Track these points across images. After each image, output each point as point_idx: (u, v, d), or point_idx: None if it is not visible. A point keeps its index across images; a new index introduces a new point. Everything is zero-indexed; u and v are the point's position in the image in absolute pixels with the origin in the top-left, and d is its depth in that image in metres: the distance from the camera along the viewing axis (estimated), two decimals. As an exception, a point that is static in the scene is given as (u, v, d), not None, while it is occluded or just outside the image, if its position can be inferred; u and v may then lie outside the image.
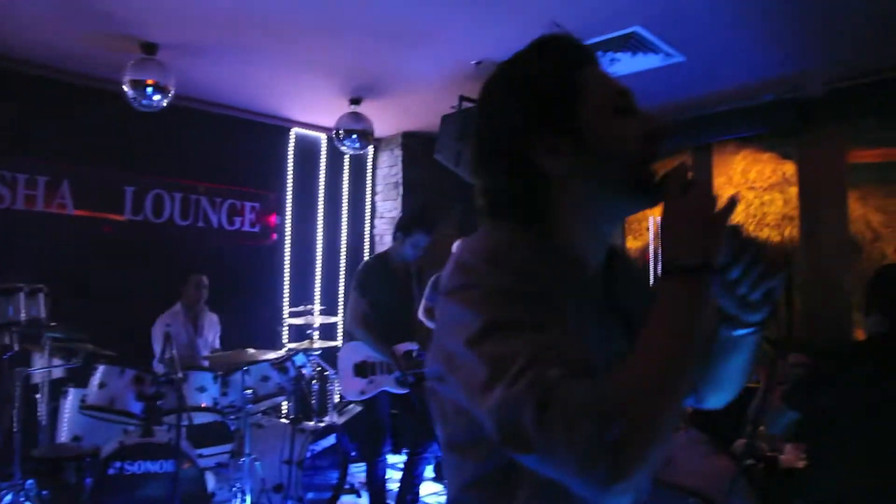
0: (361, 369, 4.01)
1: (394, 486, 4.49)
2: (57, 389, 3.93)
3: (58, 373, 3.89)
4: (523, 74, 0.99)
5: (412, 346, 4.10)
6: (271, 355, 4.22)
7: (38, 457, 3.09)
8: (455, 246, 4.57)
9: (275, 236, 5.97)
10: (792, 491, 2.69)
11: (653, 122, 0.95)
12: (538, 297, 0.83)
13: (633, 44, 4.09)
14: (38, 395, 3.85)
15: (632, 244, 8.84)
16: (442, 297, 0.89)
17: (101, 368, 3.69)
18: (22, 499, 3.18)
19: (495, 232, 0.97)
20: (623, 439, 0.70)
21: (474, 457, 0.90)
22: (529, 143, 0.96)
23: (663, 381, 0.76)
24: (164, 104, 4.34)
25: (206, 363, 4.43)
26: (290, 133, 6.14)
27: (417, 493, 4.27)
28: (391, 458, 4.65)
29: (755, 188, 8.00)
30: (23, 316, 3.19)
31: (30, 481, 3.09)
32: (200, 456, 3.92)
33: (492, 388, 0.76)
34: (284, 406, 5.18)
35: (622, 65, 4.45)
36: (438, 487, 4.91)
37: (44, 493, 2.99)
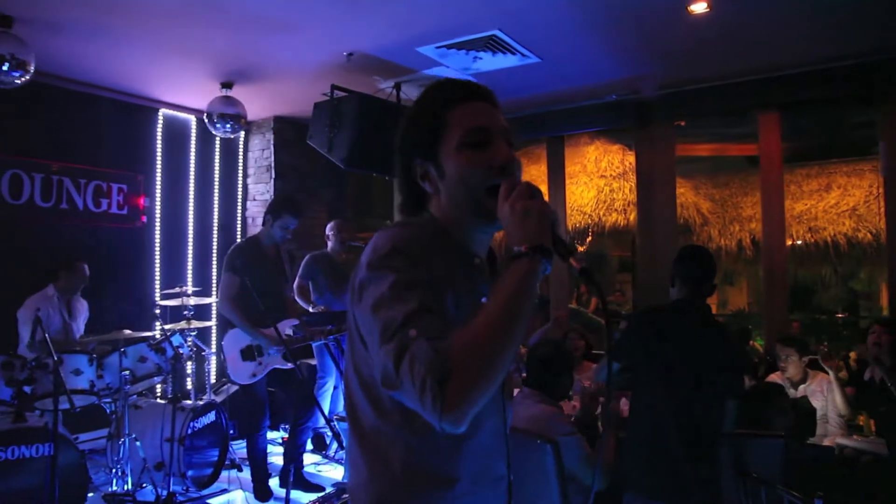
0: (248, 353, 4.14)
1: (273, 459, 4.70)
2: None
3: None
4: (411, 113, 1.31)
5: (293, 322, 4.29)
6: (148, 336, 4.26)
7: None
8: (328, 227, 4.84)
9: (144, 218, 5.86)
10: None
11: (499, 156, 1.21)
12: (421, 281, 1.10)
13: (493, 45, 4.50)
14: None
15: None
16: (362, 268, 1.16)
17: (-36, 356, 3.59)
18: None
19: (403, 225, 1.26)
20: (447, 383, 0.97)
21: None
22: (412, 166, 1.29)
23: (489, 337, 1.01)
24: (23, 81, 4.19)
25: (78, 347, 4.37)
26: (158, 114, 6.02)
27: (302, 463, 4.51)
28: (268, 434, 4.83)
29: (605, 176, 8.85)
30: None
31: None
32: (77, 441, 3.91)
33: (381, 341, 1.06)
34: (159, 387, 5.20)
35: (484, 62, 4.87)
36: (317, 458, 5.16)
37: None
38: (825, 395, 4.21)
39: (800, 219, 8.39)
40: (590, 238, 9.44)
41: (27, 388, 3.64)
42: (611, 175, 8.63)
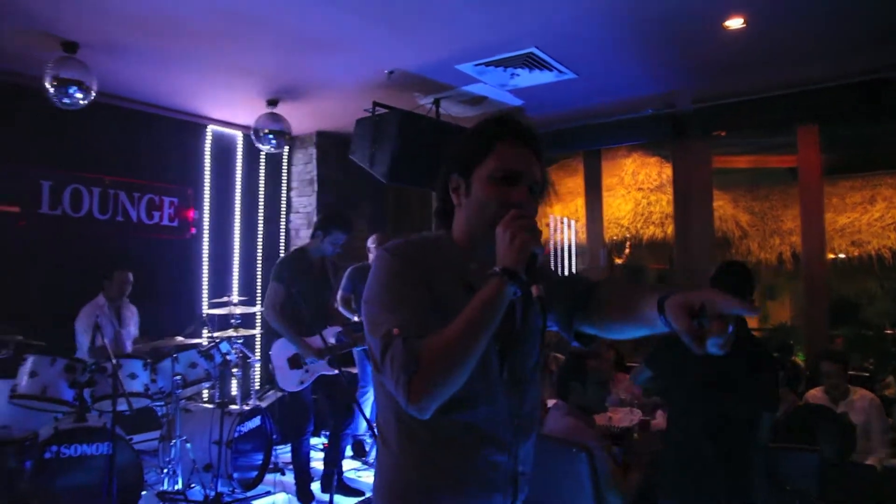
0: (296, 361, 4.30)
1: (314, 464, 4.84)
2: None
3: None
4: (467, 133, 1.48)
5: (336, 328, 4.45)
6: (197, 343, 4.46)
7: (-23, 442, 3.24)
8: (370, 240, 4.96)
9: (193, 230, 6.13)
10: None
11: (516, 196, 1.35)
12: (413, 285, 1.32)
13: (530, 62, 4.61)
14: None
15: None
16: (377, 254, 1.40)
17: (30, 358, 3.80)
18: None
19: (415, 236, 1.46)
20: (413, 378, 1.19)
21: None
22: (450, 178, 1.45)
23: (451, 343, 1.20)
24: (86, 102, 4.44)
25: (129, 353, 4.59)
26: (207, 130, 6.29)
27: (341, 469, 4.65)
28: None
29: (643, 189, 8.86)
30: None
31: (-29, 465, 3.22)
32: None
33: (371, 331, 1.31)
34: (206, 392, 5.40)
35: (521, 79, 4.98)
36: (357, 464, 5.30)
37: (-15, 475, 3.15)
38: (866, 412, 4.17)
39: (843, 232, 8.26)
40: (627, 251, 9.44)
41: (87, 391, 3.87)
42: (648, 188, 8.64)
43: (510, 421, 1.42)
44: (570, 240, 8.63)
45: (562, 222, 8.84)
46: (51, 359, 3.81)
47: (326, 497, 4.20)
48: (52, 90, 4.26)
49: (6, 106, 4.84)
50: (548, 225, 9.20)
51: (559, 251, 8.72)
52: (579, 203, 8.35)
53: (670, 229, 8.09)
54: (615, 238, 8.52)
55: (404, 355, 1.20)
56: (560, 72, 4.82)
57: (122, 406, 3.86)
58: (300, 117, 6.07)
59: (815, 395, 4.37)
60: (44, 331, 4.27)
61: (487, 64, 4.70)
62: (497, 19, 3.97)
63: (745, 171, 9.55)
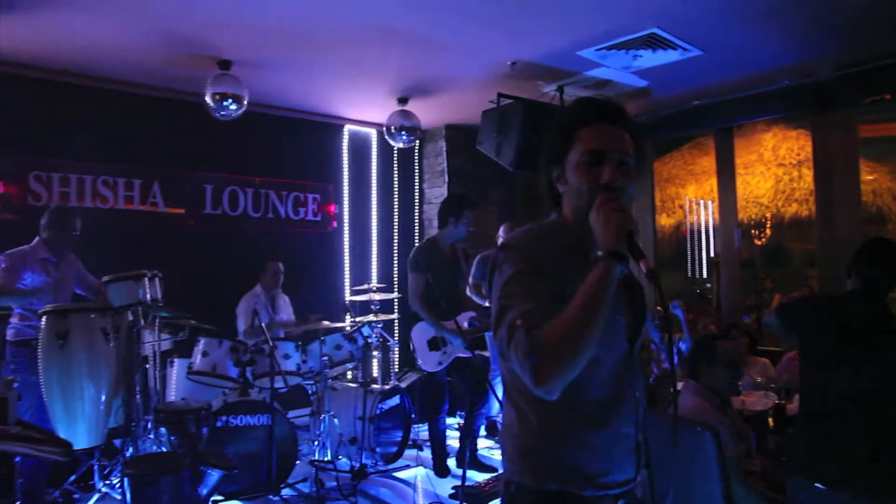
0: (434, 344, 4.62)
1: (450, 442, 5.12)
2: (163, 360, 4.65)
3: (165, 345, 4.59)
4: (551, 125, 1.57)
5: (470, 314, 4.70)
6: (341, 326, 4.88)
7: (166, 410, 3.78)
8: (501, 229, 5.17)
9: (335, 224, 6.65)
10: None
11: (604, 176, 1.42)
12: (533, 276, 1.40)
13: (652, 42, 4.55)
14: (147, 366, 4.57)
15: (666, 221, 9.27)
16: (497, 258, 1.48)
17: (202, 340, 4.38)
18: (155, 444, 3.93)
19: (532, 226, 1.57)
20: (537, 363, 1.27)
21: None
22: (552, 170, 1.56)
23: (568, 328, 1.27)
24: (240, 113, 4.96)
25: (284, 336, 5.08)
26: (344, 130, 6.76)
27: (476, 446, 4.89)
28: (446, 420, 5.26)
29: (784, 164, 8.34)
30: (148, 297, 3.88)
31: (161, 430, 3.78)
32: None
33: (496, 322, 1.40)
34: (350, 372, 5.86)
35: (644, 60, 4.91)
36: (490, 443, 5.53)
37: (172, 438, 3.68)
38: None
39: None
40: (769, 231, 8.93)
41: (248, 369, 4.38)
42: (790, 163, 8.13)
43: (633, 392, 1.53)
44: (706, 221, 8.33)
45: (697, 203, 8.55)
46: (218, 341, 4.35)
47: (461, 472, 4.46)
48: (211, 104, 4.80)
49: (172, 120, 5.51)
50: (682, 207, 8.92)
51: (695, 232, 8.45)
52: (714, 182, 8.03)
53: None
54: (753, 218, 8.10)
55: (527, 344, 1.28)
56: (685, 50, 4.71)
57: (279, 383, 4.32)
58: (429, 112, 6.34)
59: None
60: (210, 316, 4.83)
61: (609, 48, 4.69)
62: (615, 2, 3.98)
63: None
